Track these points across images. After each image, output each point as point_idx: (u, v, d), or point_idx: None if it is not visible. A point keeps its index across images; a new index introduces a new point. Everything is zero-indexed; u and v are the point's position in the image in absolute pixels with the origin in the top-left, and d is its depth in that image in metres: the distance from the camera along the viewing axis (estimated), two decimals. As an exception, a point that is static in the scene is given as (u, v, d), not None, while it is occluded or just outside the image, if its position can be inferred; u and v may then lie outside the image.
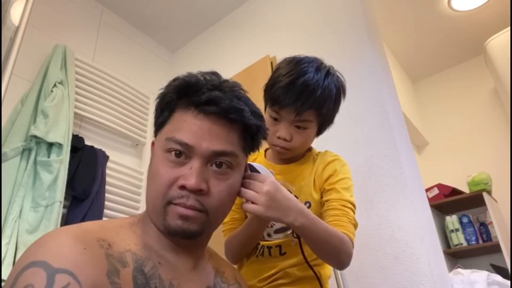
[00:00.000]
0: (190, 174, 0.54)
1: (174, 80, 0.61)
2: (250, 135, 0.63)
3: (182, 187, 0.54)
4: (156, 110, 0.63)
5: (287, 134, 0.90)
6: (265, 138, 0.68)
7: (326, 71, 0.90)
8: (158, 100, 0.63)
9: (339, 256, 0.80)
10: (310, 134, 0.93)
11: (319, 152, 1.01)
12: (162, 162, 0.57)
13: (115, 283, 0.47)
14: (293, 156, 0.98)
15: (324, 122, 0.95)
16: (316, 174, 0.95)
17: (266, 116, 0.94)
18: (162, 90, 0.63)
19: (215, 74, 0.63)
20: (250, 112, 0.62)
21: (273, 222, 0.93)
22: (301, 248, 0.79)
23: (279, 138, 0.90)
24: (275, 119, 0.91)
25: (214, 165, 0.57)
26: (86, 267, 0.44)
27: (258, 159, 1.02)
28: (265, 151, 1.05)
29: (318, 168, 0.96)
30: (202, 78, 0.61)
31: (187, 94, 0.59)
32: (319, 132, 0.97)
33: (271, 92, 0.90)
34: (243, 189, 0.67)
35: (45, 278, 0.41)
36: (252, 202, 0.68)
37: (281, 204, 0.70)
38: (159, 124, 0.62)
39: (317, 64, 0.91)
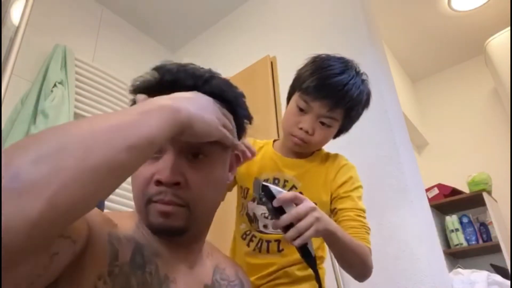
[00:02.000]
0: (164, 168, 0.52)
1: (144, 74, 0.58)
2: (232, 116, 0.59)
3: (158, 182, 0.52)
4: (130, 105, 0.59)
5: (310, 127, 0.88)
6: (250, 122, 0.65)
7: (362, 78, 0.92)
8: (131, 95, 0.59)
9: (364, 268, 0.83)
10: (330, 133, 0.92)
11: (328, 153, 1.00)
12: None
13: (112, 244, 0.48)
14: (302, 152, 0.97)
15: (346, 125, 0.95)
16: (329, 178, 0.93)
17: (291, 104, 0.93)
18: (133, 85, 0.58)
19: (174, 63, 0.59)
20: (229, 94, 0.59)
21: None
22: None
23: (300, 129, 0.89)
24: (301, 110, 0.89)
25: (190, 156, 0.54)
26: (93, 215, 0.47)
27: (265, 148, 1.01)
28: (274, 141, 1.04)
29: (331, 172, 0.94)
30: (169, 68, 0.57)
31: (156, 86, 0.55)
32: (336, 135, 0.96)
33: (307, 81, 0.88)
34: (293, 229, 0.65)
35: None
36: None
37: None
38: None
39: (355, 67, 0.92)
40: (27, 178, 0.29)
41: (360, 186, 0.94)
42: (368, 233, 0.88)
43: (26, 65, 1.83)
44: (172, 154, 0.53)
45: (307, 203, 0.68)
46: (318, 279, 0.73)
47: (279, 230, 0.91)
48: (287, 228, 0.66)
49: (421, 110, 3.44)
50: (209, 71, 0.60)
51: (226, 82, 0.61)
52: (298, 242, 0.65)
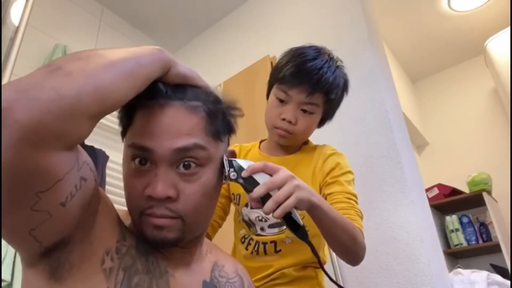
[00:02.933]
0: (154, 182, 0.50)
1: None
2: (218, 120, 0.58)
3: (150, 197, 0.51)
4: (118, 117, 0.59)
5: (292, 116, 0.88)
6: (236, 110, 0.63)
7: (336, 63, 0.92)
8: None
9: (355, 245, 0.76)
10: (314, 120, 0.92)
11: (317, 145, 0.99)
12: (128, 172, 0.54)
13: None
14: (289, 147, 0.96)
15: (328, 111, 0.94)
16: (316, 168, 0.92)
17: (270, 97, 0.93)
18: None
19: None
20: (209, 98, 0.57)
21: (267, 216, 0.90)
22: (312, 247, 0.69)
23: (283, 120, 0.88)
24: (281, 101, 0.89)
25: (181, 167, 0.52)
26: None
27: (252, 151, 1.00)
28: (260, 142, 1.03)
29: (318, 161, 0.93)
30: None
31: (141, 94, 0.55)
32: (321, 123, 0.96)
33: (282, 71, 0.89)
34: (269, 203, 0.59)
35: None
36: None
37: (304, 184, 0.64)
38: (122, 132, 0.58)
39: (328, 53, 0.92)
40: (68, 67, 0.39)
41: (349, 172, 0.91)
42: (360, 216, 0.83)
43: (26, 65, 1.82)
44: (163, 167, 0.51)
45: (284, 172, 0.62)
46: (313, 250, 0.67)
47: (275, 230, 0.91)
48: (265, 201, 0.60)
49: (421, 110, 3.44)
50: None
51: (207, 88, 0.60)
52: (277, 212, 0.59)
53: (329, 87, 0.87)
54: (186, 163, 0.52)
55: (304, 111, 0.88)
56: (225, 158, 0.60)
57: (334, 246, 0.78)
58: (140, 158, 0.52)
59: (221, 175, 0.59)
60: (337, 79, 0.89)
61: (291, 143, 0.95)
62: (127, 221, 0.56)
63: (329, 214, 0.70)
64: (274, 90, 0.92)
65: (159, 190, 0.50)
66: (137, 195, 0.52)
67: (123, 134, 0.57)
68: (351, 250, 0.78)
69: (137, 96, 0.51)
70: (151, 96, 0.53)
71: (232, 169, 0.60)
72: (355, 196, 0.87)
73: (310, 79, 0.86)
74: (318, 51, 0.91)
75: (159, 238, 0.52)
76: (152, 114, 0.52)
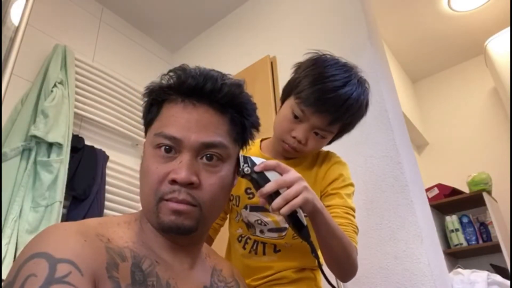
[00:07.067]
0: (180, 167, 0.54)
1: (162, 76, 0.61)
2: (241, 127, 0.62)
3: (173, 181, 0.53)
4: (145, 107, 0.63)
5: (303, 137, 0.84)
6: (257, 130, 0.67)
7: (364, 87, 0.88)
8: (145, 97, 0.62)
9: (348, 260, 0.76)
10: (323, 143, 0.90)
11: (320, 151, 0.97)
12: (152, 158, 0.56)
13: (113, 277, 0.48)
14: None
15: (340, 135, 0.93)
16: (319, 176, 0.91)
17: (286, 109, 0.88)
18: (149, 87, 0.62)
19: (199, 68, 0.61)
20: (244, 105, 0.62)
21: (267, 221, 0.89)
22: (315, 251, 0.71)
23: (293, 137, 0.85)
24: (296, 117, 0.85)
25: (204, 158, 0.56)
26: (87, 258, 0.46)
27: (253, 150, 0.97)
28: (261, 141, 1.00)
29: (322, 168, 0.92)
30: (189, 70, 0.60)
31: (175, 88, 0.59)
32: (329, 142, 0.94)
33: (307, 91, 0.82)
34: (278, 199, 0.63)
35: (47, 268, 0.42)
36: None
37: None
38: (149, 121, 0.62)
39: (359, 77, 0.88)
40: None
41: (350, 184, 0.90)
42: (356, 232, 0.83)
43: (26, 65, 1.83)
44: (188, 156, 0.55)
45: (294, 172, 0.66)
46: (313, 249, 0.69)
47: (274, 235, 0.90)
48: (273, 199, 0.64)
49: (421, 110, 3.44)
50: (221, 73, 0.62)
51: (239, 85, 0.62)
52: (285, 210, 0.62)
53: (350, 119, 0.86)
54: (209, 155, 0.56)
55: (317, 133, 0.85)
56: (241, 154, 0.65)
57: (327, 255, 0.78)
58: (166, 146, 0.56)
59: (235, 174, 0.64)
60: (360, 110, 0.86)
61: (295, 156, 0.93)
62: (118, 231, 0.55)
63: (329, 222, 0.72)
64: (292, 103, 0.86)
65: (183, 174, 0.53)
66: (160, 180, 0.54)
67: (149, 123, 0.62)
68: (343, 265, 0.78)
69: (169, 90, 0.58)
70: (186, 93, 0.57)
71: (246, 165, 0.65)
72: (353, 210, 0.87)
73: (336, 111, 0.82)
74: (349, 76, 0.84)
75: (175, 224, 0.54)
76: (184, 109, 0.57)
